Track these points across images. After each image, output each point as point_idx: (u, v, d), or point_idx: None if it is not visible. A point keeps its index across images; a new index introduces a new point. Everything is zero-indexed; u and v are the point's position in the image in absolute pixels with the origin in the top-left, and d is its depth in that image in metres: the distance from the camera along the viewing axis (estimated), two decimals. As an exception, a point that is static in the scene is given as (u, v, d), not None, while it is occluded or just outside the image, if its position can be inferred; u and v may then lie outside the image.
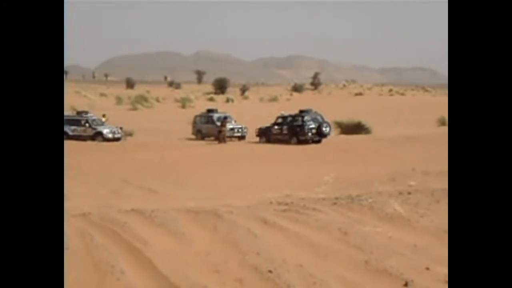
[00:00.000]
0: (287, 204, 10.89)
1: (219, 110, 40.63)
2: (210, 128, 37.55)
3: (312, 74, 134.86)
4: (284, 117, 34.31)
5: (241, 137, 36.26)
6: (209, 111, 40.20)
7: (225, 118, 36.30)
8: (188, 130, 40.82)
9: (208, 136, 37.27)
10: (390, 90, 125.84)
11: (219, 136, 34.57)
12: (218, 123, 36.58)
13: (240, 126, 36.83)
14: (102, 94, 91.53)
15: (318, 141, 32.72)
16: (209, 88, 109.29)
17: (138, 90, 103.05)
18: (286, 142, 32.78)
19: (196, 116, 39.74)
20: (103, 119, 39.70)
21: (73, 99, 71.76)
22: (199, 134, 38.00)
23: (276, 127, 34.16)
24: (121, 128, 37.57)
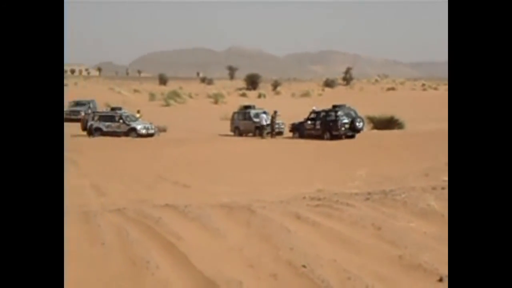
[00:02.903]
0: (320, 199, 10.87)
1: (256, 106, 40.31)
2: (247, 124, 37.64)
3: (344, 69, 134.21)
4: (317, 112, 34.13)
5: (279, 133, 36.24)
6: (246, 107, 40.10)
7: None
8: (221, 126, 40.89)
9: (246, 133, 37.40)
10: (423, 85, 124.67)
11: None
12: (256, 119, 36.59)
13: (278, 122, 36.67)
14: (135, 91, 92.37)
15: (351, 136, 32.54)
16: (241, 84, 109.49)
17: (171, 86, 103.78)
18: (319, 137, 32.66)
19: (234, 113, 39.70)
20: (137, 115, 40.02)
21: (107, 95, 72.66)
22: (237, 131, 38.04)
23: (309, 122, 34.02)
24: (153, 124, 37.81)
